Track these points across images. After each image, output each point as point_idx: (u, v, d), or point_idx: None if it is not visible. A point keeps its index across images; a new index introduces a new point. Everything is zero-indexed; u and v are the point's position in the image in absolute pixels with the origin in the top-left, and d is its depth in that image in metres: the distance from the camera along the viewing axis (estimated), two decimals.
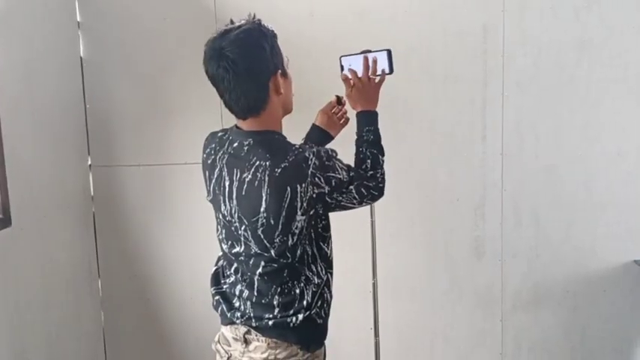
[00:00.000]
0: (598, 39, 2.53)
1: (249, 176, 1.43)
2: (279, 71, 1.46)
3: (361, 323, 2.63)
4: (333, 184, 1.43)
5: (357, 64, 1.61)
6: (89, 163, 2.76)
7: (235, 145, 1.48)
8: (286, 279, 1.49)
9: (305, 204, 1.41)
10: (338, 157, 1.48)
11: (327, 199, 1.44)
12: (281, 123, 1.53)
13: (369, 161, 1.54)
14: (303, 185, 1.40)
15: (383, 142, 1.60)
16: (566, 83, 2.56)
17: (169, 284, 2.81)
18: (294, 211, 1.41)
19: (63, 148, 2.55)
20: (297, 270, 1.49)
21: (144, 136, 2.72)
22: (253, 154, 1.44)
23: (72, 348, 2.58)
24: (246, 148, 1.46)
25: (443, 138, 2.63)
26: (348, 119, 1.85)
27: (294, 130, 1.67)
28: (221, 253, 1.62)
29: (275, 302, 1.49)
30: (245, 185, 1.44)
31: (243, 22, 1.44)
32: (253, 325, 1.51)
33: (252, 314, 1.51)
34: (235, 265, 1.55)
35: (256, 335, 1.51)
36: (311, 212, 1.44)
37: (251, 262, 1.50)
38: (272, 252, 1.46)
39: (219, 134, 1.56)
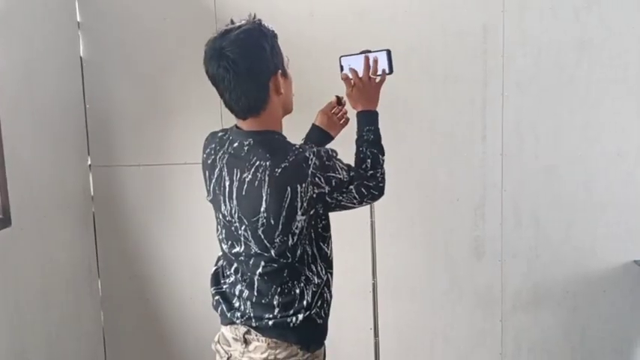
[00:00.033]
0: (598, 39, 2.53)
1: (250, 176, 1.43)
2: (280, 71, 1.46)
3: (361, 323, 2.63)
4: (334, 183, 1.43)
5: (356, 64, 1.61)
6: (89, 163, 2.76)
7: (235, 145, 1.48)
8: (286, 279, 1.49)
9: (305, 204, 1.41)
10: (338, 156, 1.48)
11: (328, 198, 1.44)
12: (281, 123, 1.52)
13: (369, 161, 1.54)
14: (304, 185, 1.40)
15: (383, 142, 1.60)
16: (566, 83, 2.57)
17: (169, 284, 2.81)
18: (295, 211, 1.41)
19: (63, 148, 2.55)
20: (297, 270, 1.49)
21: (144, 136, 2.72)
22: (253, 154, 1.44)
23: (72, 348, 2.58)
24: (246, 148, 1.45)
25: (443, 138, 2.64)
26: (348, 119, 1.85)
27: (294, 130, 1.67)
28: (221, 253, 1.62)
29: (275, 302, 1.49)
30: (245, 185, 1.44)
31: (243, 22, 1.44)
32: (253, 325, 1.51)
33: (252, 314, 1.51)
34: (235, 265, 1.55)
35: (256, 335, 1.51)
36: (311, 212, 1.44)
37: (251, 262, 1.50)
38: (272, 252, 1.46)
39: (220, 134, 1.56)
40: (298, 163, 1.40)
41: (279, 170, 1.40)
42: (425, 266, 2.72)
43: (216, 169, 1.51)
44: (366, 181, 1.51)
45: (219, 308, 1.58)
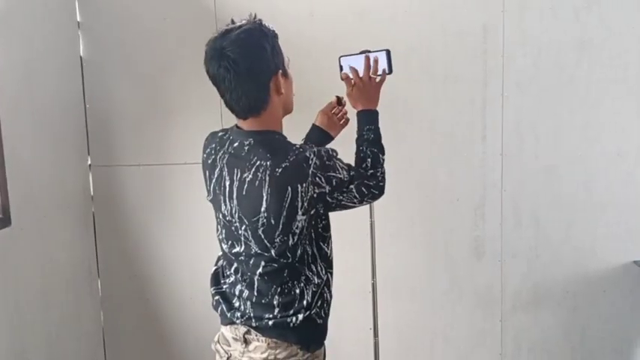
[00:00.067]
0: (598, 39, 2.53)
1: (250, 176, 1.43)
2: (280, 71, 1.46)
3: (361, 323, 2.63)
4: (334, 183, 1.43)
5: (356, 64, 1.61)
6: (89, 163, 2.76)
7: (236, 144, 1.48)
8: (286, 279, 1.49)
9: (306, 204, 1.41)
10: (338, 156, 1.48)
11: (328, 198, 1.44)
12: (281, 123, 1.53)
13: (369, 160, 1.54)
14: (304, 185, 1.40)
15: (383, 142, 1.60)
16: (565, 83, 2.57)
17: (169, 284, 2.81)
18: (295, 211, 1.41)
19: (63, 148, 2.55)
20: (298, 270, 1.49)
21: (144, 136, 2.72)
22: (254, 154, 1.44)
23: (72, 348, 2.58)
24: (246, 147, 1.46)
25: (443, 138, 2.64)
26: (348, 120, 1.85)
27: (294, 130, 1.67)
28: (221, 253, 1.62)
29: (275, 302, 1.49)
30: (245, 185, 1.44)
31: (244, 22, 1.44)
32: (253, 325, 1.51)
33: (252, 314, 1.51)
34: (235, 265, 1.55)
35: (256, 335, 1.51)
36: (312, 212, 1.44)
37: (251, 262, 1.50)
38: (272, 252, 1.46)
39: (220, 134, 1.56)
40: (299, 162, 1.40)
41: (280, 170, 1.40)
42: (425, 266, 2.72)
43: (217, 169, 1.51)
44: (366, 181, 1.51)
45: (219, 308, 1.58)
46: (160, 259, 2.79)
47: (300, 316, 1.48)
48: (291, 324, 1.48)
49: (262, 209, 1.42)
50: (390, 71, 1.61)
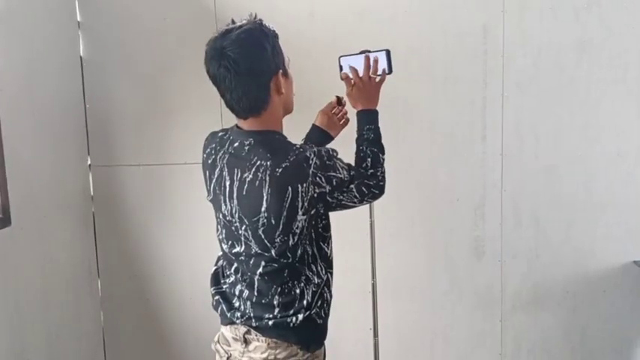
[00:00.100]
0: (598, 40, 2.53)
1: (250, 176, 1.43)
2: (281, 71, 1.46)
3: (361, 323, 2.63)
4: (334, 183, 1.43)
5: (356, 64, 1.61)
6: (89, 163, 2.76)
7: (236, 144, 1.48)
8: (286, 279, 1.49)
9: (306, 204, 1.41)
10: (338, 156, 1.48)
11: (328, 198, 1.44)
12: (282, 123, 1.53)
13: (369, 160, 1.54)
14: (305, 185, 1.40)
15: (383, 141, 1.60)
16: (565, 84, 2.57)
17: (169, 284, 2.81)
18: (295, 211, 1.41)
19: (63, 148, 2.55)
20: (298, 270, 1.49)
21: (144, 136, 2.72)
22: (254, 154, 1.44)
23: (72, 348, 2.58)
24: (246, 147, 1.46)
25: (443, 138, 2.64)
26: (348, 120, 1.85)
27: (294, 130, 1.67)
28: (221, 253, 1.62)
29: (275, 302, 1.49)
30: (246, 185, 1.44)
31: (244, 22, 1.44)
32: (253, 325, 1.51)
33: (252, 314, 1.51)
34: (235, 265, 1.55)
35: (256, 335, 1.51)
36: (312, 212, 1.44)
37: (251, 262, 1.50)
38: (272, 252, 1.46)
39: (220, 134, 1.56)
40: (299, 162, 1.40)
41: (280, 170, 1.40)
42: (425, 266, 2.72)
43: (217, 169, 1.51)
44: (366, 180, 1.51)
45: (219, 308, 1.58)
46: (160, 259, 2.79)
47: (300, 316, 1.48)
48: (291, 324, 1.48)
49: (262, 209, 1.42)
50: (390, 71, 1.61)
